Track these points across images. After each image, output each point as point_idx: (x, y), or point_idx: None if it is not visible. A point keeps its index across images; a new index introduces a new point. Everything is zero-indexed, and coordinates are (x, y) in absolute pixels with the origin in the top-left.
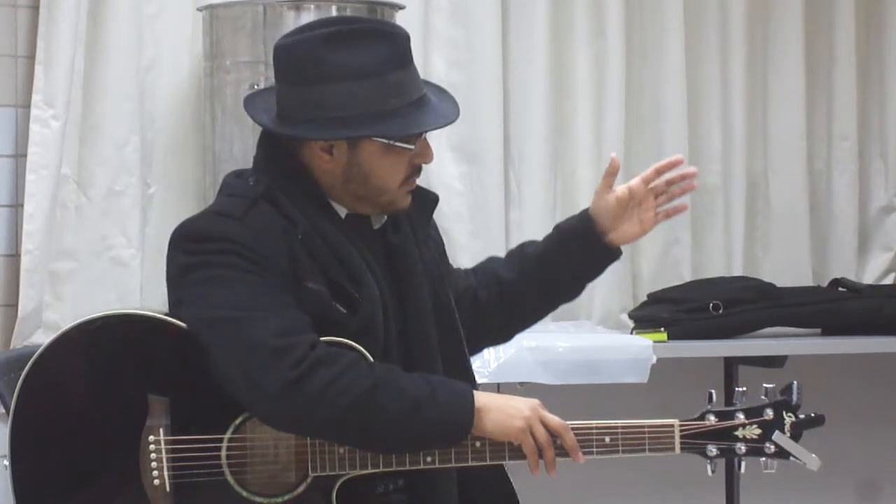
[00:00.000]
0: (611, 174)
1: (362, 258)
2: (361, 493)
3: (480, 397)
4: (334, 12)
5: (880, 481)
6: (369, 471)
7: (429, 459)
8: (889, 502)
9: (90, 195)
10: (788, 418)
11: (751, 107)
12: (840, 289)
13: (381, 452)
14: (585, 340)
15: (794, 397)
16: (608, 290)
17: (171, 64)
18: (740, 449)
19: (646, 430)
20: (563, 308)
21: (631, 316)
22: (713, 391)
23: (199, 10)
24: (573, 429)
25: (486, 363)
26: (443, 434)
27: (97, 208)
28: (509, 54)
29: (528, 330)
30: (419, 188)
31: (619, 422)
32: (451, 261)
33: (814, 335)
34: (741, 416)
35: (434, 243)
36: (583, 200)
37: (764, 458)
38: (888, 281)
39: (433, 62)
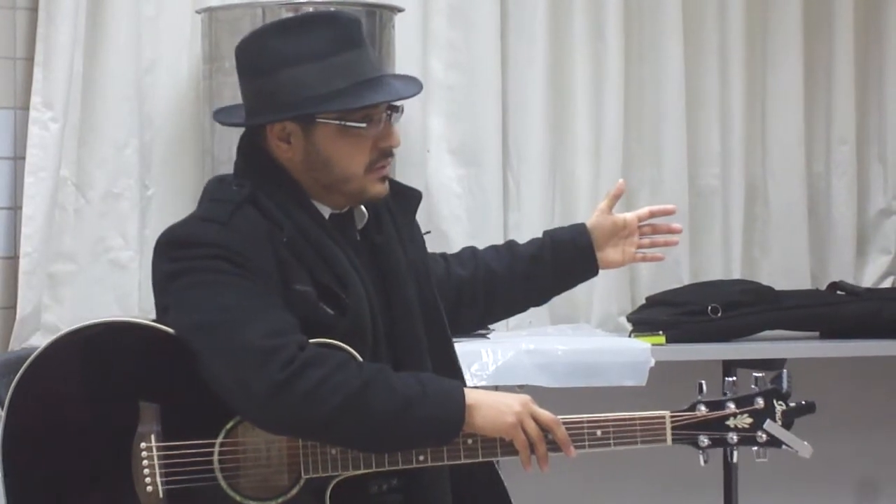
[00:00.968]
0: (616, 196)
1: (347, 258)
2: (355, 493)
3: (471, 394)
4: None
5: (879, 484)
6: (362, 471)
7: (421, 458)
8: None
9: (89, 197)
10: (779, 406)
11: (750, 109)
12: (839, 292)
13: (372, 452)
14: (584, 343)
15: (784, 385)
16: (607, 293)
17: (169, 66)
18: (732, 438)
19: (637, 422)
20: (562, 311)
21: (629, 319)
22: (703, 382)
23: (198, 12)
24: (564, 423)
25: (485, 366)
26: (434, 432)
27: (96, 210)
28: (508, 56)
29: (526, 333)
30: (402, 186)
31: (611, 415)
32: None
33: (812, 338)
34: (732, 406)
35: (418, 241)
36: (581, 202)
37: (756, 447)
38: (887, 284)
39: (432, 64)
